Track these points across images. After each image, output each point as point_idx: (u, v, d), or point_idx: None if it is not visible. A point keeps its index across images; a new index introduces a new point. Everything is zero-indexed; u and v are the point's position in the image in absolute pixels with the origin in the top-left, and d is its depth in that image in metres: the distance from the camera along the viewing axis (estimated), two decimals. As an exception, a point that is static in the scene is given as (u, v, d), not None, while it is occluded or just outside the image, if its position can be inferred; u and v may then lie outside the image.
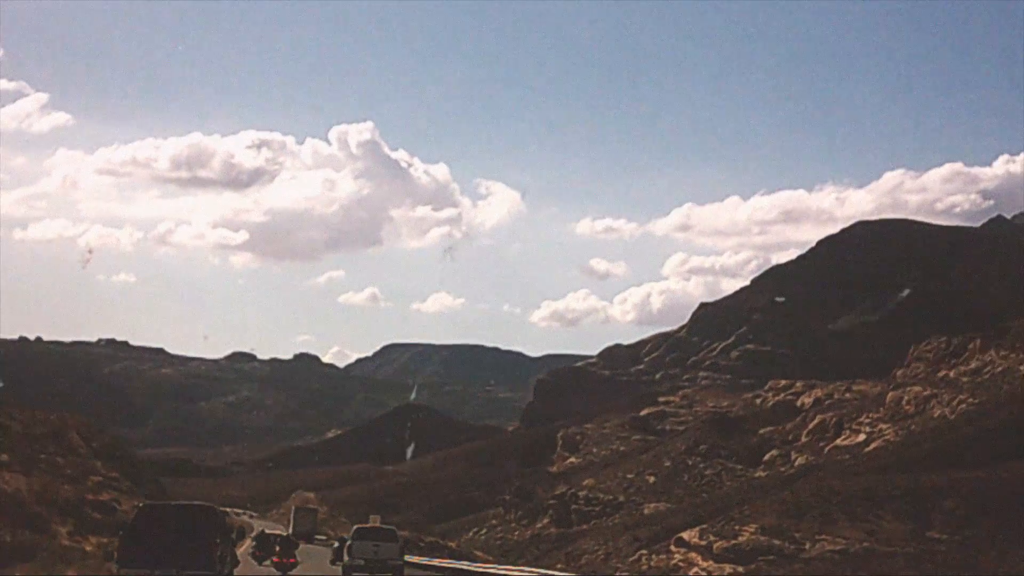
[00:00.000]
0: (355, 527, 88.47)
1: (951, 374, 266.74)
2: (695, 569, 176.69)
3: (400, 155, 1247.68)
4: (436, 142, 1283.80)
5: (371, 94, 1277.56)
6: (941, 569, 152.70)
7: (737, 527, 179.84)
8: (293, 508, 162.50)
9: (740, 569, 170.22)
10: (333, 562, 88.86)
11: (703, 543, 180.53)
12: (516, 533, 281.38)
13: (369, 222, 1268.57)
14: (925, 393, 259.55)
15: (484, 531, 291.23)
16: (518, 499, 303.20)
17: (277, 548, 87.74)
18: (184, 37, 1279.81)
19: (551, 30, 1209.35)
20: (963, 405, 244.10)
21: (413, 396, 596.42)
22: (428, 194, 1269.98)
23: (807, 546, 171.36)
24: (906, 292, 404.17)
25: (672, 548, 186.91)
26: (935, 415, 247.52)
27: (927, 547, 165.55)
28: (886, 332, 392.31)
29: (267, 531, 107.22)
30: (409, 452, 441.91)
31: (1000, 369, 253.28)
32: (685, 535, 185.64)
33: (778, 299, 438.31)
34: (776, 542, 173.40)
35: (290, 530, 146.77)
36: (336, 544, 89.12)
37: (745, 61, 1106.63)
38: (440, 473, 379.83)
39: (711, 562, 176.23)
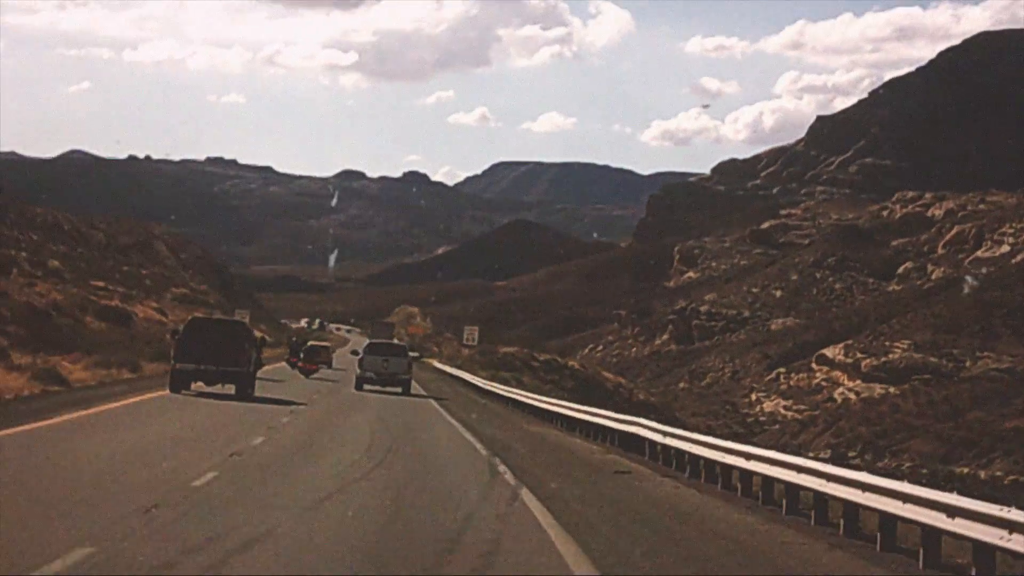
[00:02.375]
0: (368, 342, 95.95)
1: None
2: (840, 389, 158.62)
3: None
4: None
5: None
6: None
7: (887, 343, 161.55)
8: (372, 321, 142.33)
9: (893, 389, 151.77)
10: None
11: (849, 360, 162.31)
12: (634, 350, 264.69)
13: (478, 41, 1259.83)
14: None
15: (600, 348, 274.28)
16: (635, 315, 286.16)
17: (301, 355, 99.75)
18: None
19: None
20: None
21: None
22: (537, 13, 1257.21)
23: (968, 364, 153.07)
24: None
25: (813, 366, 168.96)
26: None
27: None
28: (1019, 143, 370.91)
29: (309, 342, 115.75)
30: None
31: None
32: (828, 352, 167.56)
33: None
34: (932, 359, 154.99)
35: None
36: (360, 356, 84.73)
37: None
38: (552, 288, 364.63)
39: (859, 381, 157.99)
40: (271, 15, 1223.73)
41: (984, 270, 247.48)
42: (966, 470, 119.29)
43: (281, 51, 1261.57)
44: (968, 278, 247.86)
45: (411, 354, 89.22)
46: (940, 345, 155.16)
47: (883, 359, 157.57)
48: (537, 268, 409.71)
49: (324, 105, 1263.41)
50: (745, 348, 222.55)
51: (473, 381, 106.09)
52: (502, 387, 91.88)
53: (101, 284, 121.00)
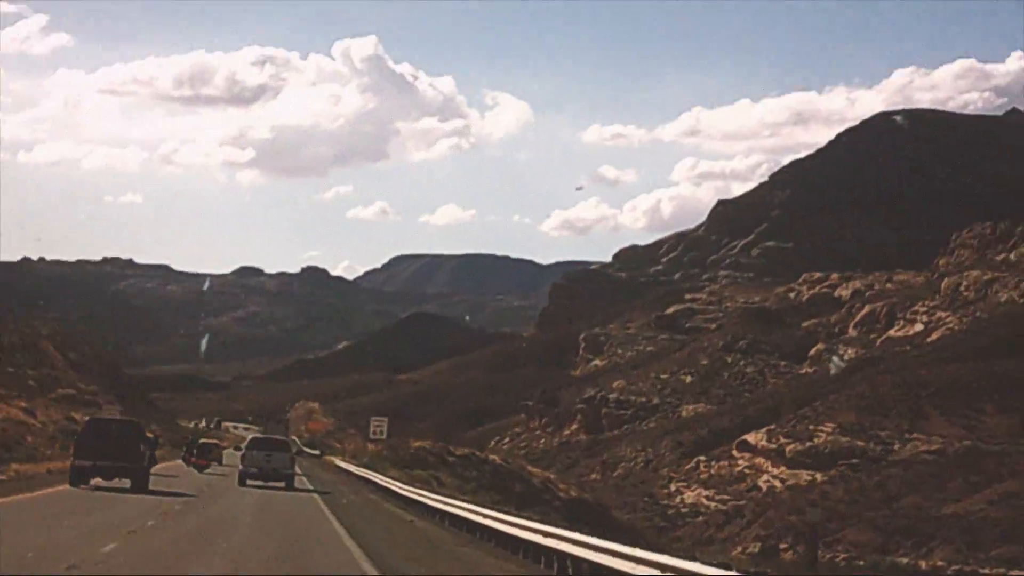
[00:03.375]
0: (250, 437, 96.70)
1: (1012, 256, 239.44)
2: (765, 476, 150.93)
3: (404, 68, 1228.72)
4: (441, 55, 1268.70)
5: (374, 7, 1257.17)
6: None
7: (811, 427, 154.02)
8: (249, 436, 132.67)
9: (820, 476, 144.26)
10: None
11: (772, 446, 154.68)
12: (543, 440, 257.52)
13: (375, 136, 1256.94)
14: (986, 278, 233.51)
15: (508, 440, 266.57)
16: (542, 404, 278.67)
17: (194, 451, 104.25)
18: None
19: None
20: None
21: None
22: (434, 106, 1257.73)
23: (896, 446, 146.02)
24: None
25: (735, 453, 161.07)
26: (1002, 299, 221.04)
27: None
28: (918, 222, 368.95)
29: (201, 440, 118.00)
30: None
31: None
32: (750, 438, 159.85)
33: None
34: (859, 443, 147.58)
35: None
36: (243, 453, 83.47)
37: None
38: (456, 380, 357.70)
39: (783, 468, 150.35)
40: (168, 113, 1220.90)
41: (849, 349, 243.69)
42: (905, 560, 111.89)
43: (178, 149, 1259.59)
44: (834, 358, 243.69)
45: (309, 450, 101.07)
46: (866, 427, 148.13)
47: (808, 444, 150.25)
48: (440, 360, 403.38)
49: (222, 202, 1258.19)
50: (657, 436, 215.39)
51: (387, 484, 79.97)
52: (427, 494, 64.69)
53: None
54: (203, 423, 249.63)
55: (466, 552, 39.39)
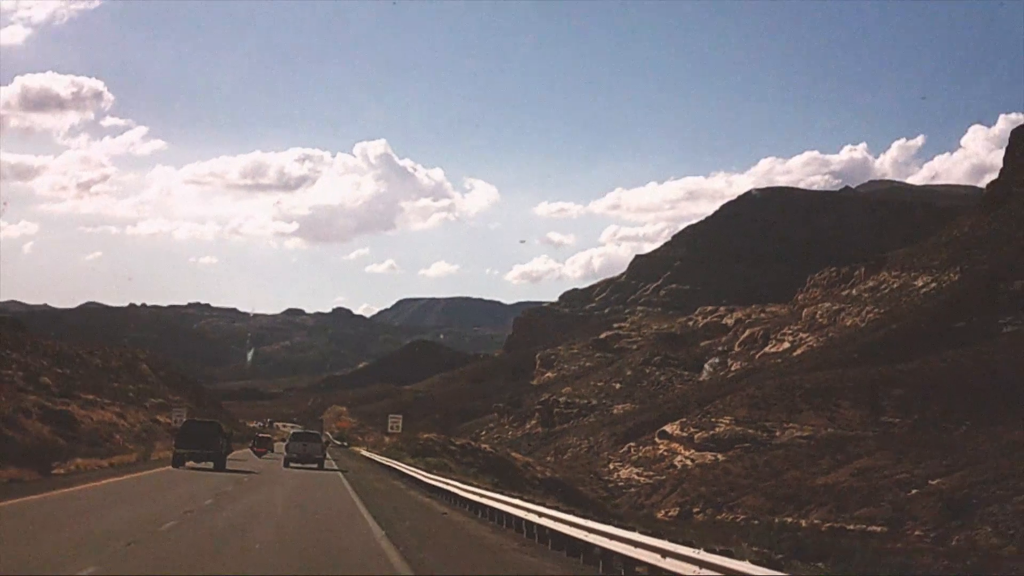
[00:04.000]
0: (292, 431, 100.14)
1: (853, 292, 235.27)
2: (679, 457, 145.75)
3: (406, 163, 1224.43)
4: (432, 152, 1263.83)
5: (384, 119, 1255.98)
6: (904, 447, 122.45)
7: (713, 419, 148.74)
8: (291, 431, 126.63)
9: (720, 456, 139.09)
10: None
11: (684, 435, 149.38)
12: (510, 432, 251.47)
13: (385, 212, 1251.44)
14: (834, 308, 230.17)
15: (484, 432, 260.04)
16: (510, 406, 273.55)
17: (256, 443, 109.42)
18: (244, 82, 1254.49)
19: (509, 69, 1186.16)
20: (871, 314, 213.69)
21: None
22: (428, 190, 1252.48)
23: (778, 433, 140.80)
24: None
25: (656, 440, 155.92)
26: (847, 324, 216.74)
27: (884, 429, 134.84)
28: (780, 269, 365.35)
29: (260, 435, 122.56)
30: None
31: (896, 285, 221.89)
32: (668, 428, 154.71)
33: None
34: (750, 431, 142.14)
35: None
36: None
37: (652, 81, 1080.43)
38: (446, 389, 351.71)
39: (693, 451, 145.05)
40: (235, 198, 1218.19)
41: (717, 360, 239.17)
42: (789, 520, 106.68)
43: (242, 224, 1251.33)
44: (706, 366, 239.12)
45: (339, 442, 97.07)
46: (755, 419, 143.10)
47: (711, 432, 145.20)
48: (434, 375, 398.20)
49: (273, 261, 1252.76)
50: (596, 428, 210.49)
51: (410, 472, 68.23)
52: (451, 481, 51.14)
53: (91, 397, 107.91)
54: (260, 423, 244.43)
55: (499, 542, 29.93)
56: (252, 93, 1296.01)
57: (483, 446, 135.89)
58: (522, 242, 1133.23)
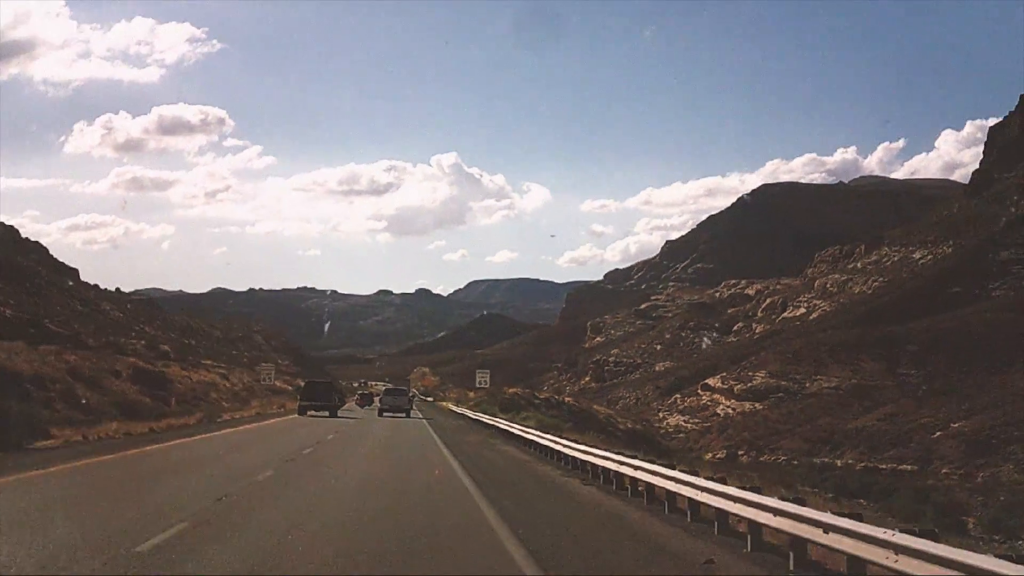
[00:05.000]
0: (384, 387, 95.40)
1: (858, 265, 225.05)
2: (721, 407, 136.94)
3: (474, 170, 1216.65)
4: (495, 161, 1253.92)
5: (455, 134, 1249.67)
6: (924, 395, 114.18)
7: (750, 373, 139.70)
8: (384, 387, 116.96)
9: (758, 405, 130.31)
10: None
11: (725, 387, 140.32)
12: (568, 388, 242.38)
13: (457, 211, 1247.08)
14: (843, 279, 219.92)
15: (545, 388, 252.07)
16: (567, 365, 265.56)
17: (358, 397, 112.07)
18: (339, 107, 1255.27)
19: (566, 84, 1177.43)
20: (876, 283, 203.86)
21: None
22: (492, 192, 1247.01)
23: (807, 384, 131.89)
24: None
25: (699, 392, 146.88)
26: (855, 291, 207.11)
27: (901, 380, 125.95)
28: (790, 249, 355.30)
29: (360, 392, 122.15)
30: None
31: (897, 258, 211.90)
32: (710, 381, 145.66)
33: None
34: (783, 383, 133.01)
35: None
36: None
37: (676, 95, 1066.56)
38: (512, 352, 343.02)
39: (734, 400, 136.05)
40: (334, 202, 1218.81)
41: (715, 334, 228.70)
42: (826, 460, 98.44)
43: (341, 223, 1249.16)
44: (705, 338, 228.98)
45: (425, 397, 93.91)
46: (787, 372, 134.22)
47: (749, 384, 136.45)
48: (502, 341, 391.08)
49: (367, 252, 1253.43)
50: (642, 383, 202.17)
51: (519, 431, 44.03)
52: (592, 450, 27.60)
53: (208, 361, 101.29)
54: (358, 383, 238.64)
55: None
56: (346, 116, 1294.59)
57: (566, 399, 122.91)
58: (552, 236, 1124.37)
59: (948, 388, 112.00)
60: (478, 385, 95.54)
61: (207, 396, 67.34)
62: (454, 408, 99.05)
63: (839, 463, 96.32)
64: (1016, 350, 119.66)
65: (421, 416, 77.86)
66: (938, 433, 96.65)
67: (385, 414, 74.29)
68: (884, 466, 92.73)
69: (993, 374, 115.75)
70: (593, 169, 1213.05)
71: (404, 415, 74.25)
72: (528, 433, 41.06)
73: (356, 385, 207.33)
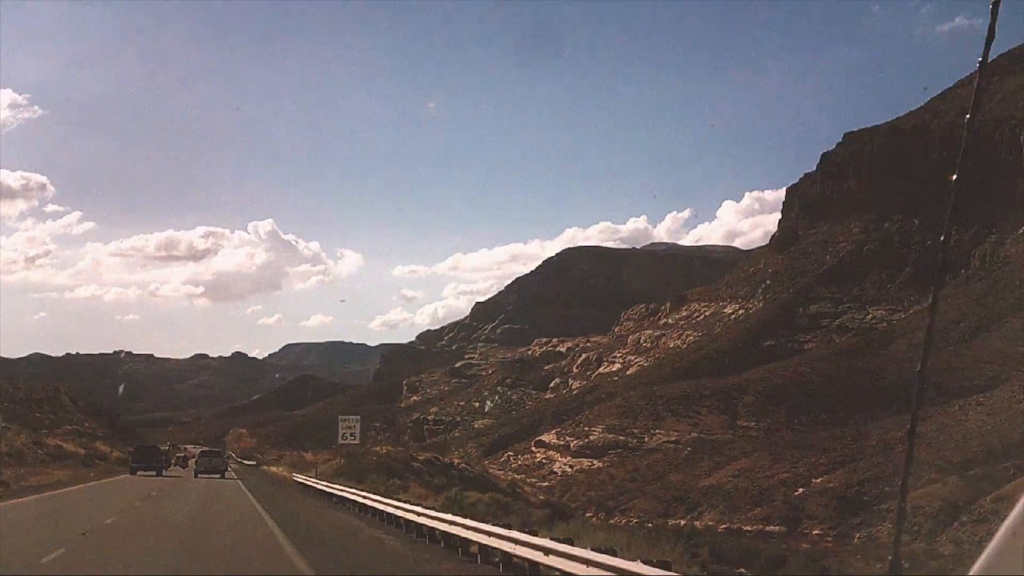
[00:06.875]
0: (200, 450, 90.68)
1: (669, 320, 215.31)
2: (557, 464, 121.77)
3: (290, 237, 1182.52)
4: (311, 228, 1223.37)
5: (271, 202, 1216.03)
6: (777, 448, 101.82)
7: (586, 428, 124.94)
8: (199, 450, 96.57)
9: (597, 462, 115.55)
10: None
11: (561, 443, 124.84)
12: (386, 448, 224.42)
13: (274, 276, 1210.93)
14: (656, 334, 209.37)
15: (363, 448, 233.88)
16: (384, 424, 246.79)
17: (178, 457, 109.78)
18: (158, 175, 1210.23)
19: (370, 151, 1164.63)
20: (690, 337, 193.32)
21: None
22: (308, 258, 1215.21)
23: (647, 439, 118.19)
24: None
25: (533, 448, 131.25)
26: (670, 346, 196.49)
27: (741, 432, 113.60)
28: (593, 309, 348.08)
29: (177, 455, 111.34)
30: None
31: (709, 312, 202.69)
32: (544, 437, 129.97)
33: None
34: (621, 438, 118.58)
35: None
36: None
37: (479, 168, 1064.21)
38: (328, 413, 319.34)
39: (570, 457, 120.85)
40: (153, 267, 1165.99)
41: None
42: (682, 522, 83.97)
43: (159, 287, 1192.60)
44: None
45: (245, 460, 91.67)
46: (624, 427, 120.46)
47: (586, 440, 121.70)
48: (317, 402, 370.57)
49: (185, 317, 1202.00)
50: (464, 441, 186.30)
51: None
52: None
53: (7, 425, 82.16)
54: (168, 445, 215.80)
55: None
56: (164, 181, 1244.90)
57: (455, 460, 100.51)
58: (343, 301, 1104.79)
59: (800, 442, 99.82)
60: (342, 440, 60.93)
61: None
62: (304, 481, 62.07)
63: (698, 524, 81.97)
64: (852, 401, 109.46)
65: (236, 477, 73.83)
66: (801, 490, 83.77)
67: (200, 475, 71.93)
68: (749, 527, 79.07)
69: (836, 425, 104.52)
70: (404, 235, 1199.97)
71: (218, 475, 72.34)
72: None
73: (166, 447, 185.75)
